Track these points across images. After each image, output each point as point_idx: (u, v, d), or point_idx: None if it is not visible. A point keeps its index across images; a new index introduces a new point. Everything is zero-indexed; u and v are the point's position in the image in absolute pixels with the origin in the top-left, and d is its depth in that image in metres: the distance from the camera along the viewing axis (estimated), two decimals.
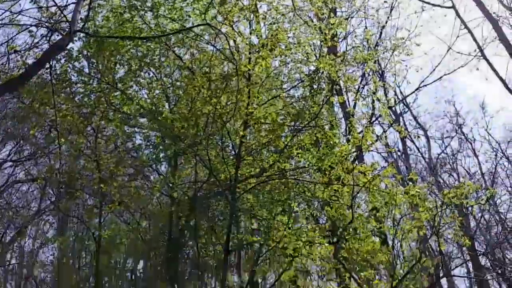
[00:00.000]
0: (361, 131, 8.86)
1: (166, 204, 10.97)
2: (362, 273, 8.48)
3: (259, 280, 13.93)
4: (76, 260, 12.54)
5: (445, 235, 8.84)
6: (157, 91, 9.83)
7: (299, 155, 9.62)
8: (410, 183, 8.11)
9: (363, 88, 13.39)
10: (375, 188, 8.16)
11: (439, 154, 26.99)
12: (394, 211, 7.97)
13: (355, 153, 10.15)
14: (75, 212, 12.43)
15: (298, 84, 10.50)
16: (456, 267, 13.46)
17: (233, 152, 10.52)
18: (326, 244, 9.27)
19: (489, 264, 24.80)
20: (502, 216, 25.28)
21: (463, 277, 18.67)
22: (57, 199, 13.31)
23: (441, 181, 24.75)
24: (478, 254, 20.68)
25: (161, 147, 9.75)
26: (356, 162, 11.07)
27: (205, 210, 11.26)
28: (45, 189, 15.68)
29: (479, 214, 25.43)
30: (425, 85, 19.33)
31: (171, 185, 9.46)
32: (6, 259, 15.13)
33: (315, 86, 10.19)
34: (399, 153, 24.28)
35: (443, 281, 25.84)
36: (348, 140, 9.84)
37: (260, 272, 12.22)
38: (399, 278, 7.63)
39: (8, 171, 17.11)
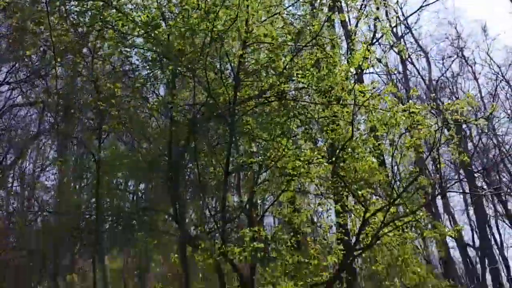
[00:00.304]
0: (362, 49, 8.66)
1: (165, 128, 10.94)
2: (359, 192, 8.62)
3: (258, 201, 14.24)
4: (77, 182, 12.70)
5: (444, 154, 8.88)
6: (153, 9, 9.50)
7: (299, 76, 9.48)
8: (410, 101, 8.06)
9: (365, 7, 12.99)
10: (375, 106, 8.10)
11: (439, 77, 26.84)
12: (395, 129, 7.96)
13: (355, 74, 10.01)
14: (74, 134, 12.43)
15: (298, 1, 10.15)
16: (453, 184, 13.65)
17: (232, 75, 10.38)
18: (325, 164, 9.37)
19: (485, 186, 25.37)
20: (499, 139, 25.55)
21: (459, 192, 19.06)
22: (55, 121, 13.28)
23: (441, 104, 24.71)
24: (474, 174, 21.01)
25: (158, 64, 9.57)
26: (357, 83, 10.96)
27: (204, 133, 11.28)
28: (43, 112, 15.63)
29: (477, 137, 25.70)
30: (427, 4, 18.93)
31: (170, 105, 9.38)
32: (8, 182, 15.33)
33: (316, 4, 9.86)
34: (399, 76, 24.10)
35: (439, 203, 26.56)
36: (348, 61, 9.67)
37: (260, 193, 12.45)
38: (397, 193, 7.75)
39: (6, 95, 16.98)
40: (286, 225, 13.17)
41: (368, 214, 7.80)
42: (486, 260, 22.69)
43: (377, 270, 11.89)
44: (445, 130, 7.61)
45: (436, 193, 11.67)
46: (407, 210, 8.15)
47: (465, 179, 22.26)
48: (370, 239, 8.24)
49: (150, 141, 10.77)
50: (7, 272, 9.88)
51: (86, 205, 11.27)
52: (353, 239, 8.70)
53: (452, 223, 25.91)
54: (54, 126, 12.94)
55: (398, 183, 8.17)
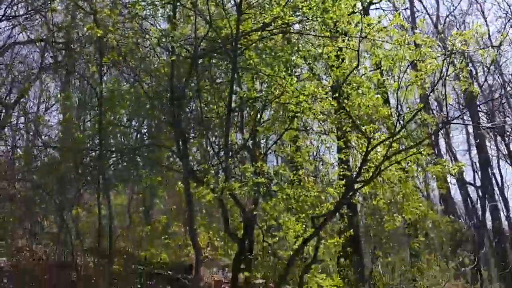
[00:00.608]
0: None
1: (167, 64, 10.75)
2: (363, 127, 8.57)
3: (262, 140, 14.25)
4: (80, 118, 12.69)
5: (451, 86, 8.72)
6: None
7: (304, 8, 9.20)
8: (416, 31, 7.85)
9: None
10: (381, 37, 7.91)
11: (447, 15, 26.29)
12: (401, 62, 7.79)
13: (361, 5, 9.71)
14: (76, 69, 12.29)
15: None
16: (457, 117, 13.58)
17: (234, 8, 10.11)
18: (329, 99, 9.29)
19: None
20: (505, 78, 25.26)
21: (462, 124, 19.01)
22: (56, 56, 13.14)
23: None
24: (479, 113, 20.87)
25: None
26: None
27: (206, 68, 11.12)
28: (45, 49, 15.43)
29: (483, 77, 25.42)
30: None
31: (170, 37, 9.18)
32: (12, 120, 15.36)
33: None
34: (406, 14, 23.55)
35: (442, 143, 26.61)
36: None
37: (263, 132, 12.44)
38: (403, 124, 7.68)
39: (6, 34, 16.69)
40: (289, 163, 13.26)
41: (371, 145, 7.77)
42: (487, 199, 22.98)
43: (378, 206, 12.06)
44: (453, 60, 7.42)
45: (440, 125, 11.56)
46: (411, 143, 8.11)
47: (469, 118, 22.16)
48: (371, 174, 8.26)
49: (152, 76, 10.63)
50: (12, 205, 10.04)
51: (89, 141, 11.28)
52: (355, 174, 8.73)
53: (454, 163, 26.07)
54: (56, 62, 12.76)
55: (401, 118, 8.08)
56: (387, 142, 8.05)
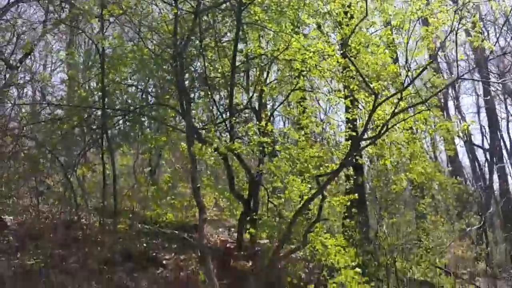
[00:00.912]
0: None
1: (170, 22, 10.46)
2: (371, 85, 8.36)
3: (268, 102, 14.08)
4: (85, 76, 12.48)
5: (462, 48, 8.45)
6: None
7: None
8: None
9: None
10: None
11: None
12: (412, 16, 7.52)
13: None
14: (79, 26, 12.03)
15: None
16: (467, 72, 13.30)
17: None
18: (337, 55, 9.06)
19: (500, 89, 24.97)
20: None
21: (471, 79, 18.66)
22: (59, 12, 12.89)
23: None
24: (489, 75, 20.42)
25: None
26: None
27: (210, 25, 10.86)
28: (48, 7, 15.15)
29: (495, 38, 24.77)
30: None
31: None
32: (18, 80, 15.22)
33: None
34: None
35: (450, 105, 26.26)
36: None
37: (269, 93, 12.26)
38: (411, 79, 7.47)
39: None
40: (295, 124, 13.13)
41: (378, 101, 7.58)
42: (495, 162, 22.79)
43: (385, 168, 11.97)
44: (465, 13, 7.12)
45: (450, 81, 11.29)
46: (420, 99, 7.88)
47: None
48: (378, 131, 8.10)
49: (155, 32, 10.38)
50: (16, 163, 10.01)
51: (93, 99, 11.14)
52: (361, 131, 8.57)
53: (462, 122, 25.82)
54: (59, 19, 12.49)
55: (411, 75, 7.84)
56: (395, 101, 7.87)
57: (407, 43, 7.57)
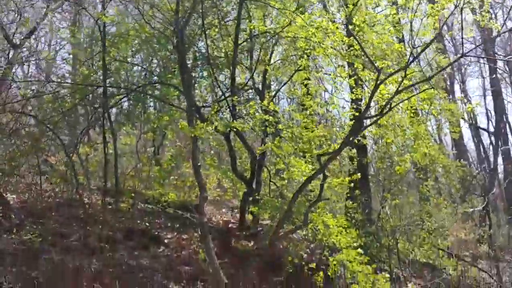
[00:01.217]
0: None
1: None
2: (376, 63, 8.22)
3: (272, 82, 13.95)
4: (87, 54, 12.35)
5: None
6: None
7: None
8: None
9: None
10: None
11: None
12: None
13: None
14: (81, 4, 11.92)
15: None
16: (472, 49, 13.13)
17: None
18: (341, 33, 8.91)
19: (506, 72, 24.70)
20: None
21: (477, 56, 18.43)
22: None
23: None
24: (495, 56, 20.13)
25: None
26: None
27: (213, 2, 10.71)
28: None
29: (502, 20, 24.37)
30: None
31: None
32: (21, 59, 15.13)
33: None
34: None
35: (456, 88, 26.01)
36: None
37: (272, 73, 12.16)
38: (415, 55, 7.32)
39: None
40: (299, 105, 13.02)
41: (381, 78, 7.46)
42: (500, 146, 22.61)
43: (389, 150, 11.88)
44: None
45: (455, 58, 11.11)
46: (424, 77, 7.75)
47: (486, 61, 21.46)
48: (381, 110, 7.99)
49: (157, 10, 10.23)
50: (17, 140, 9.98)
51: (96, 77, 11.06)
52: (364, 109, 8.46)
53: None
54: None
55: (415, 52, 7.67)
56: (399, 79, 7.75)
57: (412, 19, 7.40)
